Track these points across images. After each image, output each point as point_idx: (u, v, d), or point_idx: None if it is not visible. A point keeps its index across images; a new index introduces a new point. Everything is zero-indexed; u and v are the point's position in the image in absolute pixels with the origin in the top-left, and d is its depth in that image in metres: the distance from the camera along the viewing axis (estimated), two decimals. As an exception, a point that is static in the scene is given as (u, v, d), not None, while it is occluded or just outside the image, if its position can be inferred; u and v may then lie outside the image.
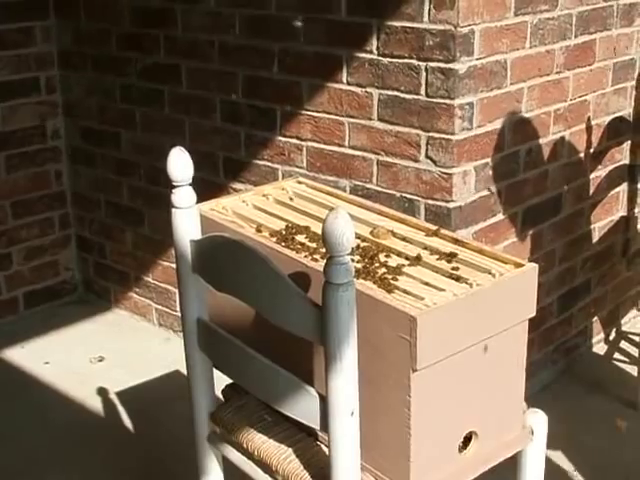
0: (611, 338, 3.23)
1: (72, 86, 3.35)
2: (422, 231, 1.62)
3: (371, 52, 2.43)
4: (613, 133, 2.94)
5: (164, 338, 3.27)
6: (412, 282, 1.44)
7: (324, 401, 1.38)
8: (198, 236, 1.60)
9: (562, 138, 2.72)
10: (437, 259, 1.52)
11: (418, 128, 2.38)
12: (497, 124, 2.46)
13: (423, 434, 1.40)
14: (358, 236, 1.58)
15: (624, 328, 3.28)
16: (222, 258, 1.51)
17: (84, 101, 3.32)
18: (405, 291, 1.41)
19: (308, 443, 1.58)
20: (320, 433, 1.55)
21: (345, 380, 1.33)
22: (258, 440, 1.61)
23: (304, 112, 2.63)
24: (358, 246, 1.56)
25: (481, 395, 1.47)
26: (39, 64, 3.31)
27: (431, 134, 2.36)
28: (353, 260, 1.45)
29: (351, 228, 1.25)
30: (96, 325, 3.40)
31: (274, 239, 1.59)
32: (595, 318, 3.14)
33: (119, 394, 2.88)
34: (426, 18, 2.30)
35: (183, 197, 1.58)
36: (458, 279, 1.45)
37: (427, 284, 1.44)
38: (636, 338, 3.06)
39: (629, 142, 3.04)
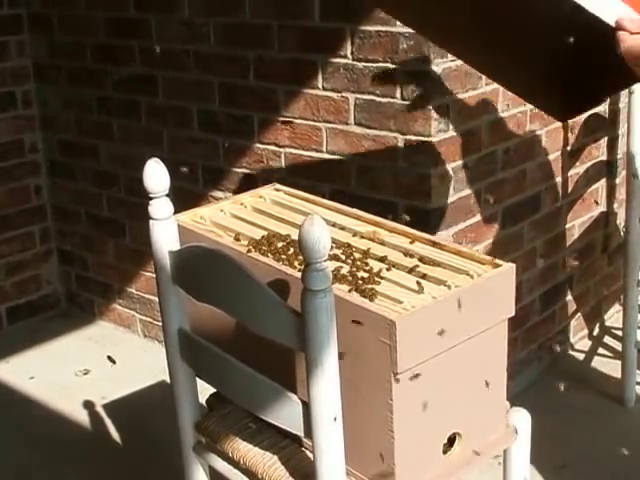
0: (595, 334, 3.25)
1: (48, 99, 3.34)
2: (400, 235, 1.63)
3: (346, 57, 2.44)
4: (589, 130, 2.96)
5: (149, 348, 3.26)
6: (391, 286, 1.45)
7: (307, 407, 1.38)
8: (177, 247, 1.60)
9: (539, 137, 2.74)
10: (415, 262, 1.53)
11: (395, 131, 2.39)
12: (473, 125, 2.47)
13: (407, 437, 1.40)
14: (335, 242, 1.58)
15: (607, 323, 3.29)
16: (201, 268, 1.51)
17: (61, 114, 3.32)
18: (384, 295, 1.42)
19: (293, 450, 1.58)
20: (304, 439, 1.55)
21: (327, 386, 1.33)
22: (243, 448, 1.61)
23: (281, 119, 2.63)
24: (335, 253, 1.57)
25: (463, 396, 1.48)
26: (14, 78, 3.31)
27: (408, 137, 2.37)
28: (332, 266, 1.46)
29: (327, 234, 1.25)
30: (80, 338, 3.39)
31: (252, 247, 1.60)
32: (578, 314, 3.15)
33: (105, 406, 2.87)
34: (399, 22, 2.30)
35: (160, 208, 1.58)
36: (436, 281, 1.46)
37: (405, 287, 1.44)
38: (619, 333, 3.07)
39: (606, 138, 3.06)
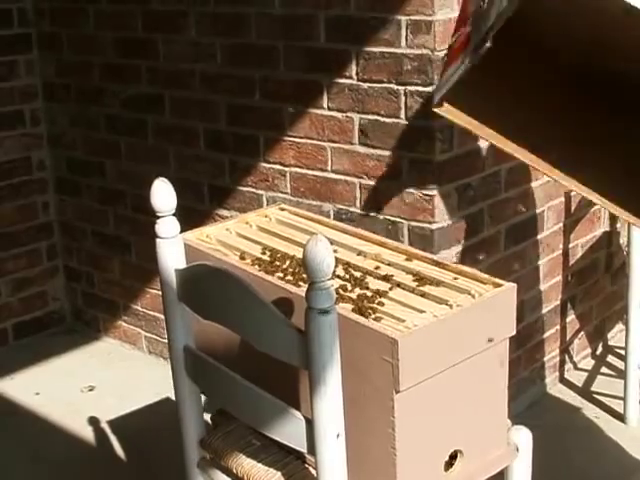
0: (598, 353, 3.25)
1: (56, 118, 3.37)
2: (403, 254, 1.65)
3: (351, 77, 2.47)
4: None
5: (154, 365, 3.27)
6: (393, 305, 1.47)
7: (310, 424, 1.40)
8: (183, 265, 1.62)
9: (542, 157, 2.75)
10: (418, 282, 1.55)
11: (399, 151, 2.41)
12: (477, 145, 2.49)
13: (408, 454, 1.42)
14: (339, 261, 1.61)
15: (610, 342, 3.30)
16: (206, 286, 1.53)
17: (68, 132, 3.35)
18: (387, 314, 1.44)
19: (296, 466, 1.60)
20: (308, 456, 1.57)
21: (330, 403, 1.35)
22: (247, 465, 1.63)
23: (287, 138, 2.66)
24: (339, 273, 1.58)
25: (464, 414, 1.49)
26: (23, 97, 3.34)
27: (412, 156, 2.39)
28: (336, 285, 1.48)
29: (331, 254, 1.27)
30: (86, 354, 3.41)
31: (257, 266, 1.62)
32: (581, 333, 3.16)
33: (110, 423, 2.89)
34: (404, 43, 2.33)
35: (167, 227, 1.60)
36: (438, 301, 1.48)
37: (408, 306, 1.46)
38: (623, 352, 3.08)
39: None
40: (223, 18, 2.73)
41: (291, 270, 1.59)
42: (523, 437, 1.63)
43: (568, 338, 3.09)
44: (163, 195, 1.58)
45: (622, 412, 2.81)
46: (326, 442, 1.38)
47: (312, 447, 1.41)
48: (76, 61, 3.23)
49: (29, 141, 3.39)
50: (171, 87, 2.95)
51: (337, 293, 1.46)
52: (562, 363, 3.08)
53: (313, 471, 1.52)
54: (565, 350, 3.09)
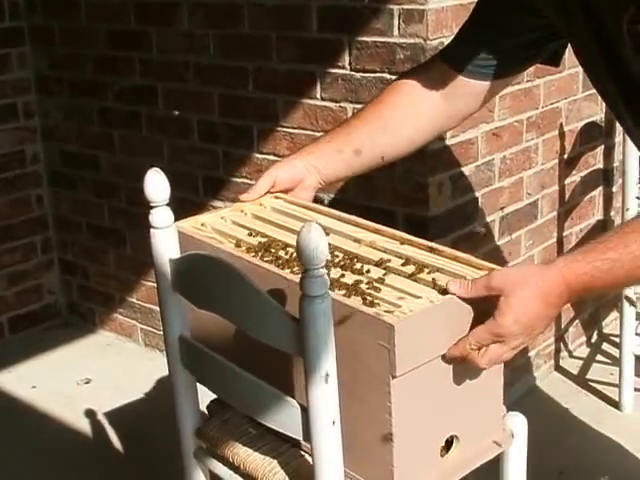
0: (593, 341, 3.27)
1: (50, 111, 3.37)
2: (398, 241, 1.65)
3: (343, 67, 2.47)
4: (586, 138, 2.99)
5: (150, 358, 3.28)
6: (389, 291, 1.47)
7: (306, 412, 1.40)
8: (177, 255, 1.62)
9: (535, 145, 2.76)
10: (413, 267, 1.55)
11: (393, 141, 2.41)
12: (470, 134, 2.49)
13: (405, 439, 1.42)
14: (334, 248, 1.61)
15: (605, 330, 3.32)
16: (200, 275, 1.53)
17: (62, 125, 3.35)
18: (382, 299, 1.44)
19: (293, 454, 1.60)
20: (304, 443, 1.57)
21: (325, 390, 1.35)
22: (243, 453, 1.63)
23: (280, 129, 2.66)
24: (334, 259, 1.59)
25: (461, 399, 1.49)
26: (16, 90, 3.34)
27: (405, 146, 2.39)
28: (329, 273, 1.47)
29: (325, 241, 1.27)
30: (82, 347, 3.41)
31: (253, 254, 1.62)
32: (576, 321, 3.17)
33: (107, 415, 2.89)
34: (396, 32, 2.34)
35: (161, 217, 1.60)
36: (434, 286, 1.48)
37: (404, 292, 1.46)
38: (617, 339, 3.09)
39: (602, 147, 3.09)
40: (216, 9, 2.73)
41: (286, 257, 1.59)
42: (519, 423, 1.63)
43: (563, 326, 3.10)
44: (156, 185, 1.57)
45: (617, 399, 2.83)
46: (321, 429, 1.38)
47: (308, 434, 1.41)
48: (69, 54, 3.22)
49: (23, 134, 3.39)
50: (164, 79, 2.95)
51: (332, 280, 1.46)
52: (557, 351, 3.09)
53: (309, 458, 1.53)
54: (560, 338, 3.10)
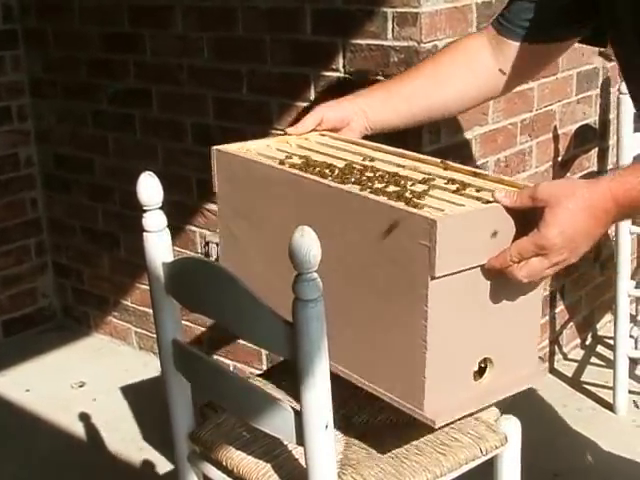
0: (587, 343, 3.27)
1: (44, 114, 3.37)
2: (441, 167, 1.61)
3: (337, 70, 2.47)
4: (580, 141, 2.99)
5: (144, 361, 3.28)
6: (434, 201, 1.42)
7: (298, 415, 1.40)
8: (170, 258, 1.62)
9: (529, 148, 2.76)
10: (459, 185, 1.49)
11: (387, 143, 2.41)
12: (464, 137, 2.49)
13: (439, 350, 1.35)
14: (378, 170, 1.58)
15: (600, 332, 3.32)
16: (193, 279, 1.53)
17: (56, 128, 3.34)
18: (425, 205, 1.39)
19: (286, 458, 1.60)
20: (297, 447, 1.57)
21: (318, 394, 1.35)
22: (237, 457, 1.63)
23: (274, 132, 2.66)
24: (378, 177, 1.55)
25: (497, 321, 1.42)
26: (10, 93, 3.33)
27: (401, 148, 2.39)
28: (372, 185, 1.48)
29: (317, 245, 1.27)
30: (76, 351, 3.41)
31: (297, 170, 1.59)
32: (571, 324, 3.18)
33: (101, 418, 2.89)
34: (390, 35, 2.34)
35: (154, 221, 1.60)
36: (478, 199, 1.43)
37: (447, 202, 1.41)
38: (612, 342, 3.10)
39: (596, 149, 3.09)
40: (210, 12, 2.73)
41: (328, 172, 1.57)
42: (512, 426, 1.64)
43: (557, 329, 3.11)
44: (149, 189, 1.57)
45: (611, 402, 2.83)
46: (314, 433, 1.38)
47: (301, 438, 1.41)
48: (63, 57, 3.22)
49: (16, 137, 3.38)
50: (158, 82, 2.94)
51: (375, 189, 1.45)
52: (552, 354, 3.09)
53: (302, 462, 1.53)
54: (555, 341, 3.10)
